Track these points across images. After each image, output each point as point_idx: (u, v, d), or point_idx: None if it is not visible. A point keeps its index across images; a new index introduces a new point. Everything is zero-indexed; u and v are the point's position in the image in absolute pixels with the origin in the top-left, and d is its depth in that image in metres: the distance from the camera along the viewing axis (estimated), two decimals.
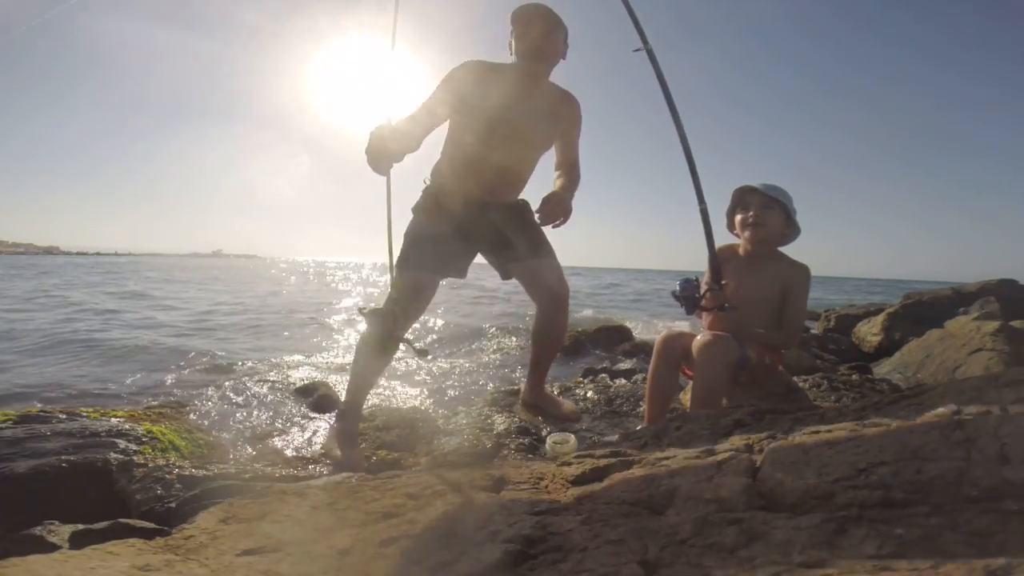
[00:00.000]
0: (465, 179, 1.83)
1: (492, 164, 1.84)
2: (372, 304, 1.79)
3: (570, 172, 1.87)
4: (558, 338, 1.99)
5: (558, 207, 1.67)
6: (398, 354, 2.00)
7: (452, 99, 1.76)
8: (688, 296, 1.70)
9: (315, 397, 2.41)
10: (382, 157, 1.61)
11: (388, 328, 1.72)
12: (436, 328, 5.25)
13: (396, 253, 1.82)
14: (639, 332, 4.91)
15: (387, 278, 1.88)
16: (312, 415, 2.27)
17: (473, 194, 1.83)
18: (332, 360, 3.64)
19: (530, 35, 1.74)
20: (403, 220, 1.86)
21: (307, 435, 2.00)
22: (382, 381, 2.95)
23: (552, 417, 2.00)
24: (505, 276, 1.90)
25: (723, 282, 1.68)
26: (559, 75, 1.88)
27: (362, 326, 1.80)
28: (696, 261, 1.81)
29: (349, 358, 3.69)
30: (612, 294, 14.53)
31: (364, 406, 1.85)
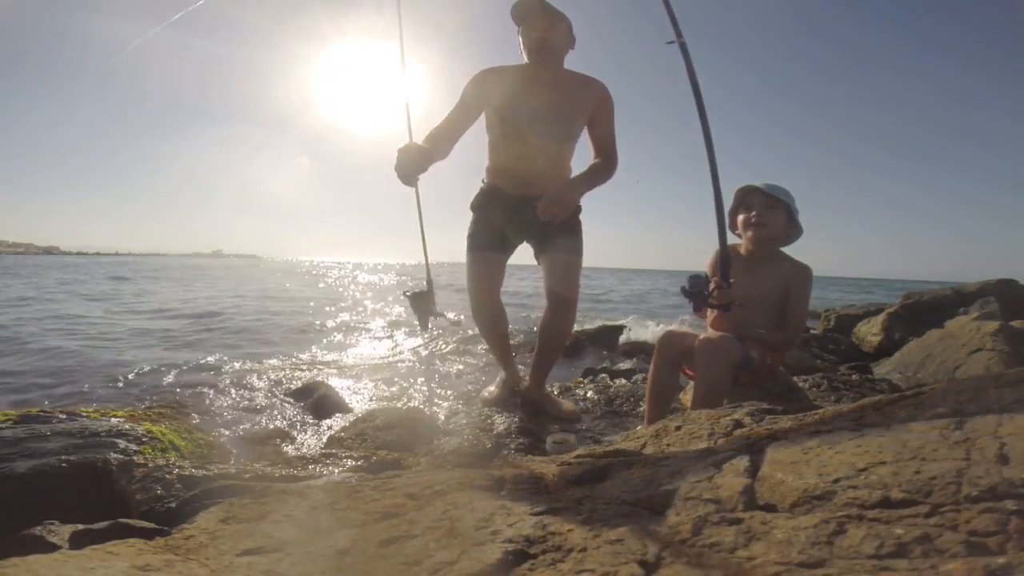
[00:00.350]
0: (491, 177, 2.10)
1: (502, 164, 1.98)
2: (413, 289, 2.09)
3: (597, 164, 1.94)
4: (554, 338, 2.02)
5: (551, 203, 1.71)
6: (400, 353, 2.12)
7: (465, 108, 1.93)
8: (697, 292, 1.70)
9: (315, 397, 2.41)
10: (409, 171, 1.75)
11: (426, 303, 2.03)
12: (437, 327, 5.26)
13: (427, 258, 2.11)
14: (639, 332, 4.91)
15: (382, 277, 2.06)
16: (312, 415, 2.27)
17: (499, 190, 2.06)
18: (333, 360, 3.63)
19: (531, 30, 1.85)
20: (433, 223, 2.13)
21: (307, 435, 2.00)
22: (383, 379, 2.95)
23: (552, 417, 2.02)
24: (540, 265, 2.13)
25: (732, 280, 1.68)
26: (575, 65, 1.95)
27: (366, 326, 1.90)
28: (690, 261, 1.82)
29: (350, 359, 3.69)
30: (612, 294, 14.53)
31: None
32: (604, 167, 1.92)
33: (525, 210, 1.96)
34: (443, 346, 4.12)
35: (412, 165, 1.74)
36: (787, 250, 1.85)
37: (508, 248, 2.14)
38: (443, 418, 2.12)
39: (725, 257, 1.70)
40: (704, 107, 1.73)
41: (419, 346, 4.21)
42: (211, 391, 2.60)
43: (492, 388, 2.40)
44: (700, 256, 1.85)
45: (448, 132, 1.89)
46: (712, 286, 1.69)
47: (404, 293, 2.12)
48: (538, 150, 1.93)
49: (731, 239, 1.90)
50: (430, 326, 2.10)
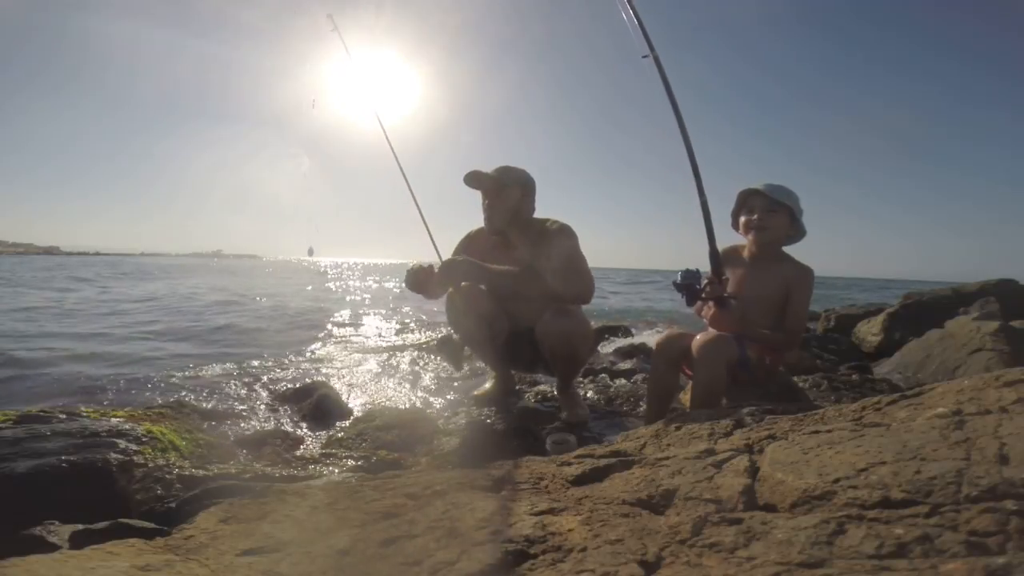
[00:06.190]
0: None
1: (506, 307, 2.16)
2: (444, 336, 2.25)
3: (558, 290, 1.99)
4: (554, 341, 2.01)
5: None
6: (399, 353, 2.10)
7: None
8: (689, 285, 1.70)
9: (315, 398, 2.41)
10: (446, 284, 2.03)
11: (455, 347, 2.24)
12: (438, 327, 5.26)
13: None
14: (639, 332, 4.91)
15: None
16: (312, 416, 2.27)
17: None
18: (334, 360, 3.64)
19: (483, 207, 2.09)
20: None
21: (307, 435, 2.00)
22: (383, 378, 2.95)
23: (560, 418, 2.03)
24: None
25: (725, 277, 1.69)
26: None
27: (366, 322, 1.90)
28: (700, 262, 1.82)
29: (348, 359, 3.69)
30: (615, 294, 14.53)
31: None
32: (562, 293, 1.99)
33: (518, 342, 2.16)
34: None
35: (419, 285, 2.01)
36: (791, 249, 1.84)
37: None
38: (443, 418, 2.12)
39: (714, 253, 1.71)
40: (681, 114, 1.78)
41: (417, 344, 4.21)
42: (212, 390, 2.60)
43: (486, 385, 2.41)
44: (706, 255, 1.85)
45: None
46: (704, 281, 1.70)
47: (434, 341, 2.14)
48: (521, 297, 2.07)
49: (738, 239, 1.91)
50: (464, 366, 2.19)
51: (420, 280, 2.01)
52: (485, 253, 2.19)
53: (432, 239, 2.18)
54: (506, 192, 2.05)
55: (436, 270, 2.02)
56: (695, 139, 1.78)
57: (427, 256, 2.21)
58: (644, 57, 1.83)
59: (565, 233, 2.05)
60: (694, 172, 1.75)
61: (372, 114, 2.27)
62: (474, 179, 2.07)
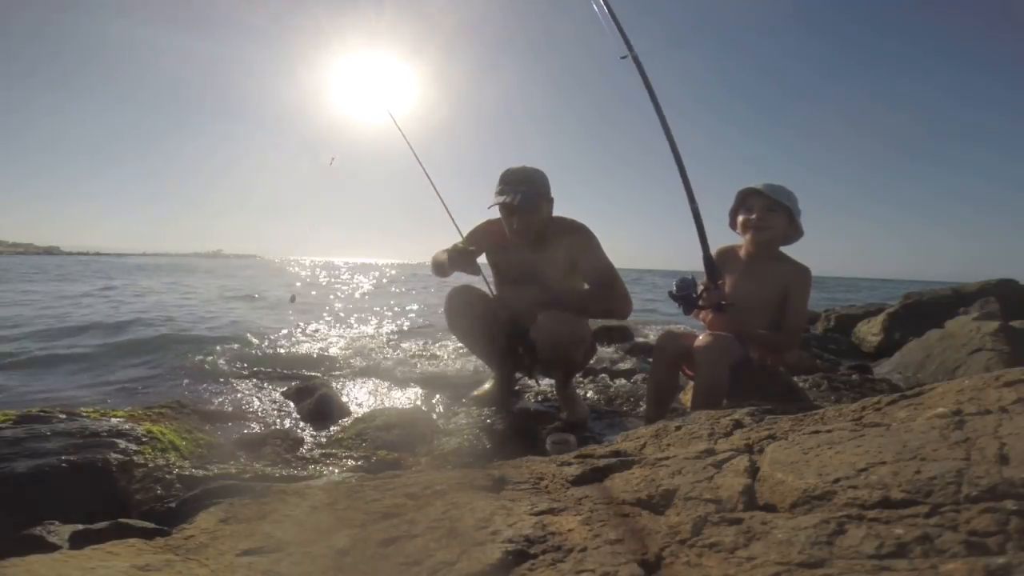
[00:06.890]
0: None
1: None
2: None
3: (588, 291, 1.98)
4: (548, 341, 2.02)
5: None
6: (398, 354, 2.10)
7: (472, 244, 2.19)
8: (685, 295, 1.69)
9: (316, 397, 2.41)
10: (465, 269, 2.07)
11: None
12: (439, 327, 5.26)
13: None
14: (640, 332, 4.91)
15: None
16: (312, 416, 2.27)
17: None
18: (334, 359, 3.63)
19: (510, 220, 2.04)
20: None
21: (307, 435, 2.00)
22: (382, 379, 2.95)
23: (560, 418, 2.04)
24: None
25: (720, 282, 1.68)
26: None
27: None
28: (699, 261, 1.82)
29: (348, 360, 3.69)
30: None
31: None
32: (593, 294, 1.95)
33: (518, 343, 2.14)
34: (444, 347, 4.12)
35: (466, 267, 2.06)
36: (788, 248, 1.84)
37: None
38: (443, 418, 2.12)
39: (708, 259, 1.71)
40: (663, 114, 1.76)
41: (417, 347, 4.21)
42: (212, 390, 2.60)
43: (485, 385, 2.41)
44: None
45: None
46: (700, 288, 1.69)
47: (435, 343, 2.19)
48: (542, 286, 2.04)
49: (734, 238, 1.90)
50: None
51: (465, 259, 2.04)
52: (498, 249, 2.17)
53: (458, 228, 2.19)
54: (536, 215, 1.99)
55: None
56: (691, 139, 1.79)
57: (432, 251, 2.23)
58: (623, 58, 1.79)
59: (586, 236, 2.01)
60: (682, 175, 1.72)
61: (388, 116, 2.24)
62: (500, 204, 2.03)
